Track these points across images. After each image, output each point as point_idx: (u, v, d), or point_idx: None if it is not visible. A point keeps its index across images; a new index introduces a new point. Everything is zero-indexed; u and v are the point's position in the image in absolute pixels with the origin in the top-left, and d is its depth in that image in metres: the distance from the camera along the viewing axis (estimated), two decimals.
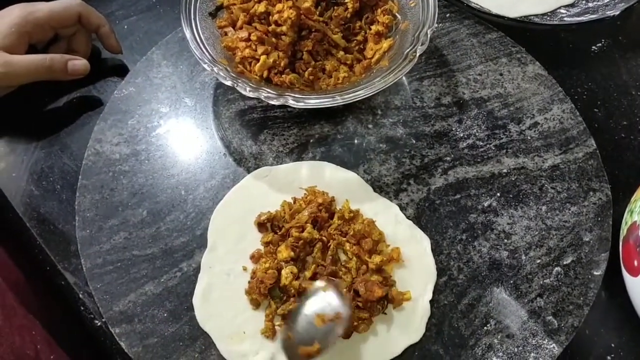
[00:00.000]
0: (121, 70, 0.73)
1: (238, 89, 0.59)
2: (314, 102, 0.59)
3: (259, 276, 0.56)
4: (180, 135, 0.67)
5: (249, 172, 0.65)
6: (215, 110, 0.69)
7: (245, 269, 0.58)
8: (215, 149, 0.66)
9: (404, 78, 0.72)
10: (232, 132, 0.67)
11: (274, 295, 0.56)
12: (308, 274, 0.56)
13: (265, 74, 0.64)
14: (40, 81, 0.66)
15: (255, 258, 0.59)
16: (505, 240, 0.61)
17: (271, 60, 0.63)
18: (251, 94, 0.59)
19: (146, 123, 0.68)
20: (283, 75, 0.64)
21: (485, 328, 0.57)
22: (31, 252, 0.63)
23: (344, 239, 0.59)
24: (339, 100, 0.59)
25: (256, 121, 0.68)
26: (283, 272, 0.56)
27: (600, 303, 0.60)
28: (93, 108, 0.70)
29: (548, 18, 0.79)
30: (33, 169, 0.67)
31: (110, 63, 0.75)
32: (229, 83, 0.59)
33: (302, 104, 0.59)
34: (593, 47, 0.78)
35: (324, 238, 0.58)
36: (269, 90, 0.59)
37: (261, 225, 0.60)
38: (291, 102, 0.58)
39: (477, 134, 0.68)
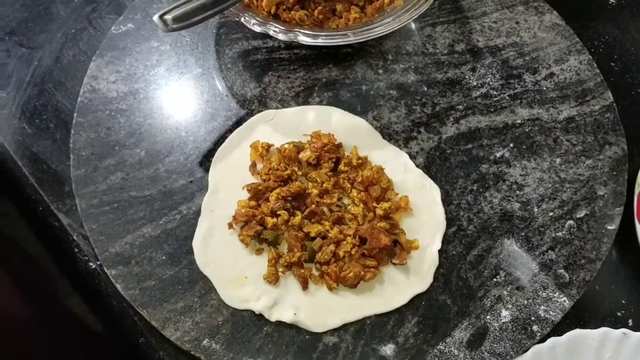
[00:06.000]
0: (119, 6, 0.69)
1: (244, 22, 0.56)
2: (324, 39, 0.56)
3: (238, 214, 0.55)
4: (180, 75, 0.64)
5: (252, 115, 0.62)
6: (217, 50, 0.65)
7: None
8: (217, 90, 0.63)
9: (415, 24, 0.68)
10: (235, 73, 0.64)
11: (271, 242, 0.54)
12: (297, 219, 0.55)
13: (273, 9, 0.60)
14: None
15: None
16: (518, 192, 0.59)
17: None
18: (258, 29, 0.56)
19: (145, 61, 0.64)
20: (292, 12, 0.60)
21: (494, 279, 0.55)
22: (23, 191, 0.60)
23: (351, 186, 0.56)
24: (351, 38, 0.56)
25: (260, 62, 0.65)
26: (267, 218, 0.54)
27: (612, 260, 0.58)
28: (89, 45, 0.67)
29: None
30: (25, 107, 0.64)
31: None
32: (233, 17, 0.55)
33: (312, 40, 0.55)
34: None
35: (317, 180, 0.56)
36: (277, 25, 0.56)
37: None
38: (301, 39, 0.55)
39: (491, 83, 0.65)
